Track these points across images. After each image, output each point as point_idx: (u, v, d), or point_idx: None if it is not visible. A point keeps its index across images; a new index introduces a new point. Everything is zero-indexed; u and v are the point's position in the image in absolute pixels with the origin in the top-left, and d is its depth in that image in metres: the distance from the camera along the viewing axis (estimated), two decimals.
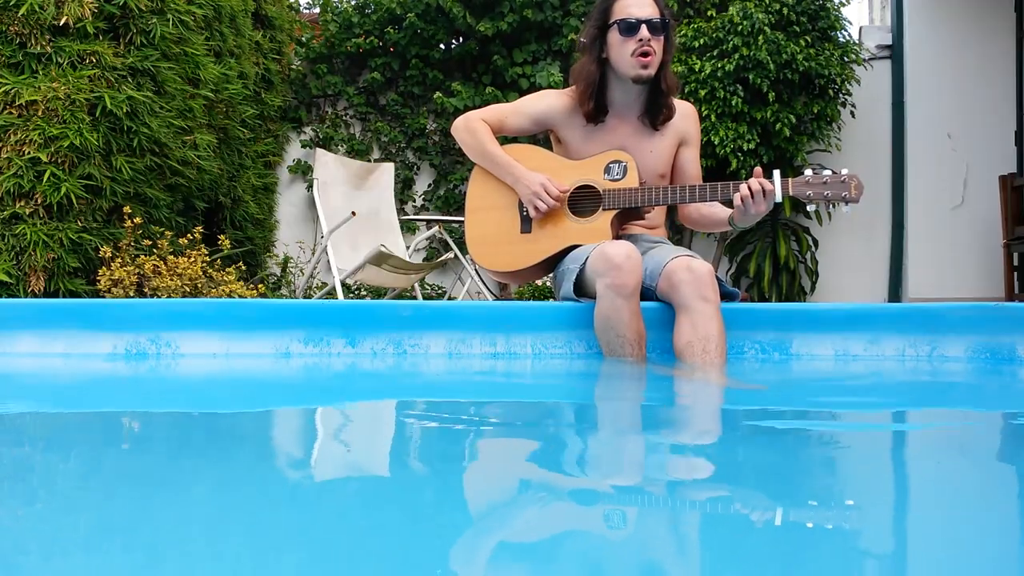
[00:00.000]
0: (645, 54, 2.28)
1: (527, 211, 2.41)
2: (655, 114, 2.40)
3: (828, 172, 2.19)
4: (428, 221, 5.20)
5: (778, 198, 2.17)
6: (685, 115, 2.46)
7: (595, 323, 2.13)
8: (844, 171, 2.19)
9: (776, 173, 2.20)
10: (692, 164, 2.49)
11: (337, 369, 2.07)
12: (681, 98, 2.50)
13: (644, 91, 2.38)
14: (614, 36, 2.30)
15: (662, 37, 2.30)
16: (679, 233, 5.25)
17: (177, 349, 2.12)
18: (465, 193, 2.57)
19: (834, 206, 2.20)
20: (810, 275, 5.42)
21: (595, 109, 2.37)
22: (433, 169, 5.90)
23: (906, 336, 2.21)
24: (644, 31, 2.27)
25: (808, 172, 2.21)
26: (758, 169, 2.19)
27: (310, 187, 5.70)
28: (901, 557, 0.72)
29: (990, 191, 5.40)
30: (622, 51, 2.30)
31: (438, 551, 0.70)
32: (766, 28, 4.60)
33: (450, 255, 4.75)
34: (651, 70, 2.31)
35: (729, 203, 2.25)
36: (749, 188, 2.14)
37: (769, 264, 5.23)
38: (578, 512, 0.83)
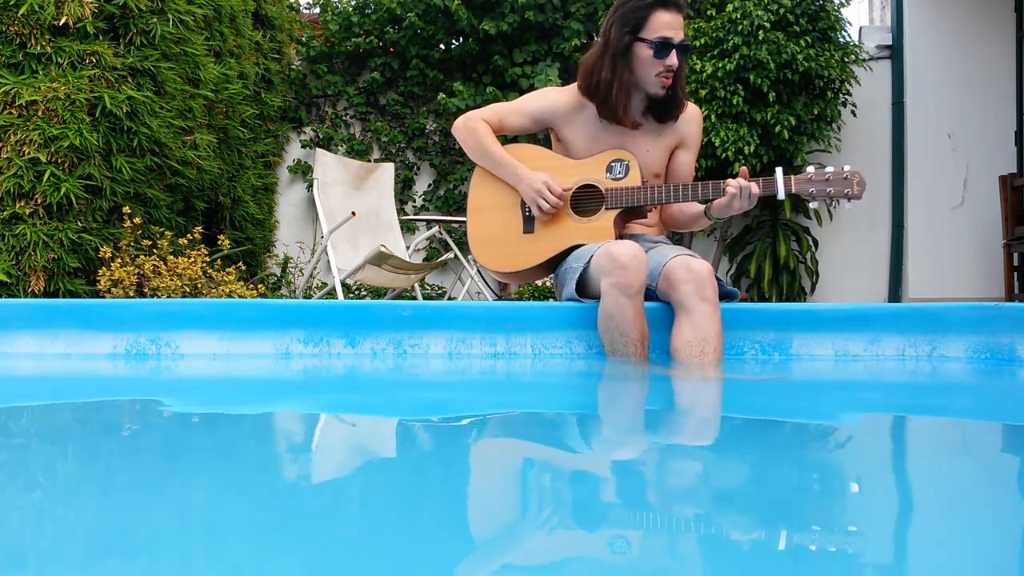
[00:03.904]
0: (668, 75, 2.29)
1: (529, 211, 2.41)
2: (659, 114, 2.39)
3: (830, 169, 2.20)
4: (428, 221, 5.21)
5: (780, 195, 2.18)
6: (688, 119, 2.45)
7: (599, 322, 2.13)
8: (847, 167, 2.20)
9: (779, 171, 2.21)
10: (686, 167, 2.47)
11: (337, 369, 2.07)
12: None
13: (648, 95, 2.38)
14: (644, 51, 2.26)
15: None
16: (678, 233, 5.25)
17: (177, 349, 2.12)
18: (465, 193, 2.58)
19: (837, 203, 2.20)
20: (810, 275, 5.42)
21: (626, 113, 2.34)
22: (433, 169, 5.90)
23: (906, 336, 2.21)
24: (674, 57, 2.26)
25: (810, 169, 2.22)
26: (744, 170, 2.21)
27: (310, 187, 5.70)
28: (902, 557, 0.72)
29: (990, 191, 5.41)
30: (648, 68, 2.28)
31: (437, 553, 0.70)
32: (765, 24, 4.61)
33: (450, 255, 4.75)
34: (668, 86, 2.32)
35: None
36: (738, 186, 2.17)
37: (769, 264, 5.23)
38: (582, 520, 0.83)
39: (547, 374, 2.07)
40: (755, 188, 2.18)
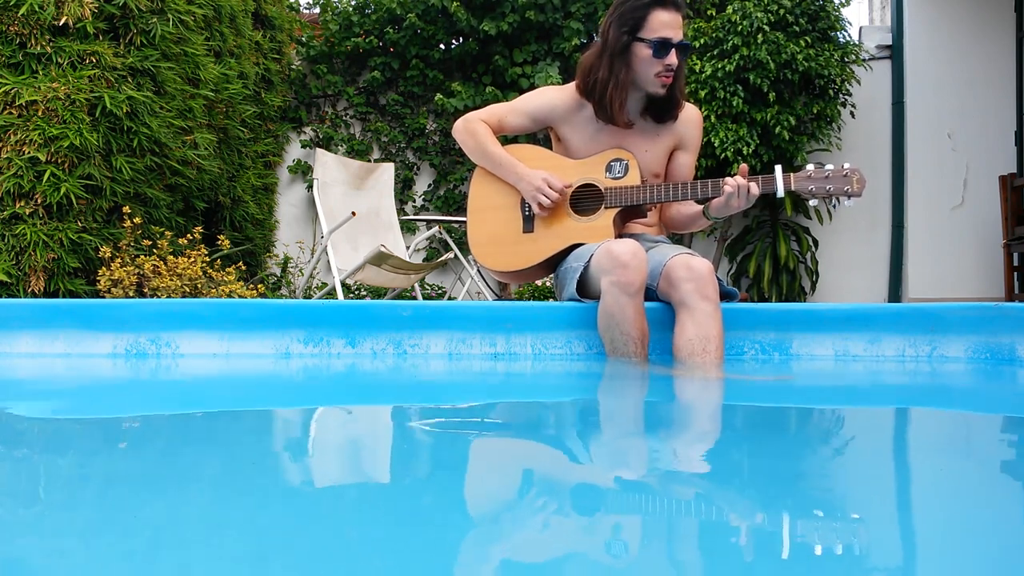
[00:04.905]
0: (668, 75, 2.28)
1: (529, 210, 2.41)
2: (657, 114, 2.39)
3: (830, 166, 2.20)
4: (428, 221, 5.21)
5: (780, 193, 2.18)
6: (688, 120, 2.44)
7: (599, 321, 2.13)
8: (846, 165, 2.20)
9: (778, 168, 2.21)
10: (685, 169, 2.47)
11: (337, 369, 2.07)
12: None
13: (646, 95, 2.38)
14: (643, 51, 2.26)
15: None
16: (678, 233, 5.25)
17: (177, 349, 2.12)
18: (465, 193, 2.58)
19: (837, 201, 2.20)
20: (810, 275, 5.42)
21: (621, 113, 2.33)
22: (433, 169, 5.90)
23: (906, 336, 2.21)
24: (673, 56, 2.26)
25: (810, 167, 2.22)
26: (743, 168, 2.21)
27: (310, 187, 5.71)
28: (902, 557, 0.72)
29: (990, 191, 5.41)
30: (647, 68, 2.27)
31: (437, 553, 0.70)
32: (764, 27, 4.61)
33: (450, 255, 4.75)
34: (668, 85, 2.31)
35: None
36: (736, 184, 2.17)
37: (769, 264, 5.23)
38: (582, 520, 0.83)
39: (547, 374, 2.07)
40: (754, 188, 2.17)
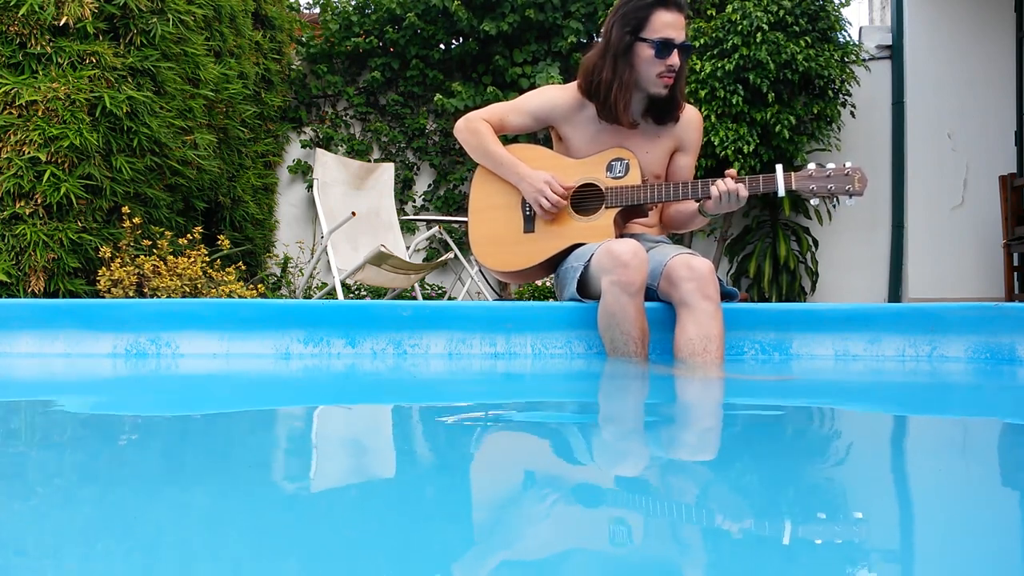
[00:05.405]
0: (669, 75, 2.28)
1: (530, 210, 2.41)
2: (658, 115, 2.39)
3: (832, 165, 2.19)
4: (428, 221, 5.21)
5: (781, 192, 2.17)
6: (688, 121, 2.44)
7: (600, 320, 2.13)
8: (848, 164, 2.19)
9: (779, 167, 2.20)
10: (686, 171, 2.47)
11: (337, 369, 2.07)
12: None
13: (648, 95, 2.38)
14: (645, 51, 2.26)
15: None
16: (678, 233, 5.24)
17: (177, 349, 2.12)
18: (465, 193, 2.58)
19: (838, 200, 2.20)
20: (810, 275, 5.42)
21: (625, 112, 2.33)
22: (433, 169, 5.90)
23: (906, 336, 2.21)
24: (675, 56, 2.26)
25: (811, 166, 2.21)
26: (731, 172, 2.21)
27: (310, 187, 5.70)
28: (901, 559, 0.72)
29: (990, 191, 5.41)
30: (649, 68, 2.27)
31: (438, 555, 0.70)
32: (764, 26, 4.61)
33: (450, 255, 4.75)
34: (670, 87, 2.31)
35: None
36: (723, 190, 2.17)
37: (769, 264, 5.23)
38: (583, 525, 0.83)
39: (547, 374, 2.07)
40: (743, 191, 2.17)
